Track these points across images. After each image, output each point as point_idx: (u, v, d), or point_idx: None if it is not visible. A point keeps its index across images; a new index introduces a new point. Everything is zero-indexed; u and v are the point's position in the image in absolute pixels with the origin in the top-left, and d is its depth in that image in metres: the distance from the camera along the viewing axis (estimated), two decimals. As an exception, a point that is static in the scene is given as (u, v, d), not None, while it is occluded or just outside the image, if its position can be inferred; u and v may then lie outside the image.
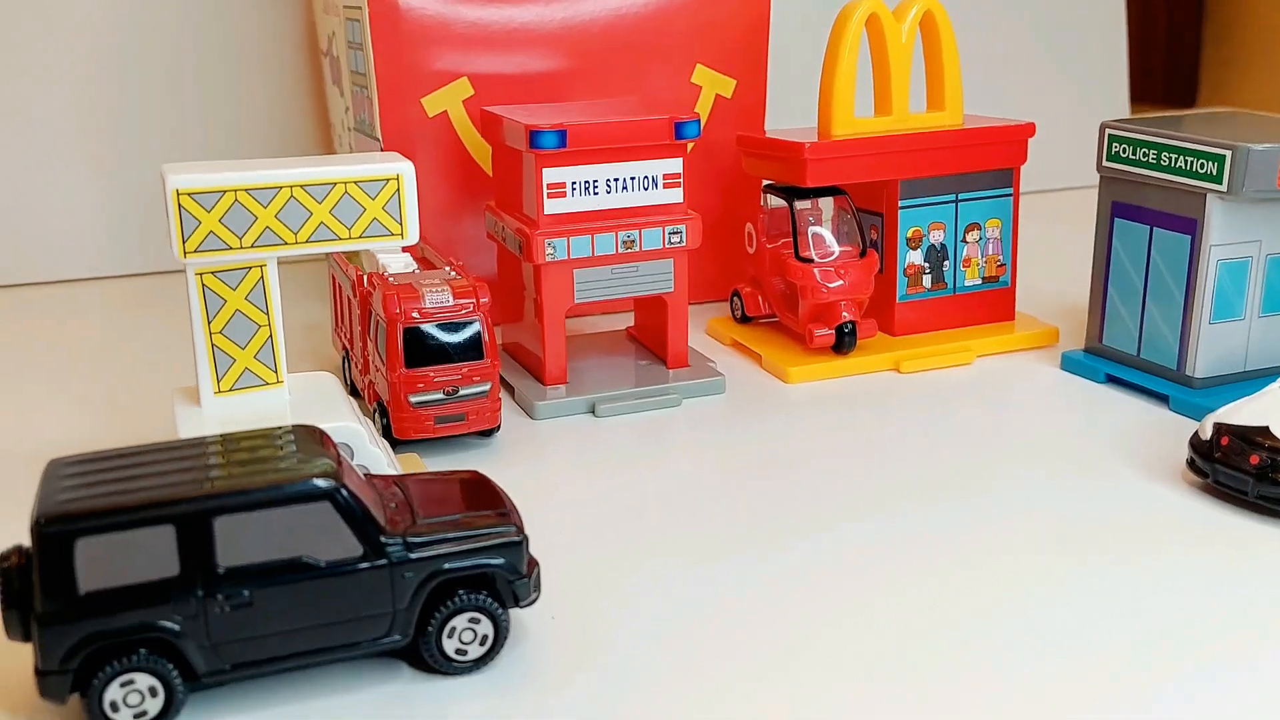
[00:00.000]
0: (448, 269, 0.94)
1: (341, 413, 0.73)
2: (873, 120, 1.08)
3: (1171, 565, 0.72)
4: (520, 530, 0.61)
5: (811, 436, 0.94)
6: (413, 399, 0.87)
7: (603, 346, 1.11)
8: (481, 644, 0.61)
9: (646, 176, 0.99)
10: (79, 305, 1.34)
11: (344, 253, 1.02)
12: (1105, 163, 0.99)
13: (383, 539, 0.58)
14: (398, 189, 0.73)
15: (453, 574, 0.59)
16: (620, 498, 0.83)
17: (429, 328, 0.87)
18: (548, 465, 0.90)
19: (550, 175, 0.96)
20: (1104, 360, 1.02)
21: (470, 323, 0.88)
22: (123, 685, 0.55)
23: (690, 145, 1.00)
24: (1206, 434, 0.79)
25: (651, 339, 1.09)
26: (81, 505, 0.54)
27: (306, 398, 0.76)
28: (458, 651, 0.60)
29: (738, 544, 0.76)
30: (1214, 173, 0.90)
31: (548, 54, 1.17)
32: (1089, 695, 0.60)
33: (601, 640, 0.65)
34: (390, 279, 0.91)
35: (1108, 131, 0.98)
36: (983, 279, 1.13)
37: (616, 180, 0.98)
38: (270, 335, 0.73)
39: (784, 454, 0.90)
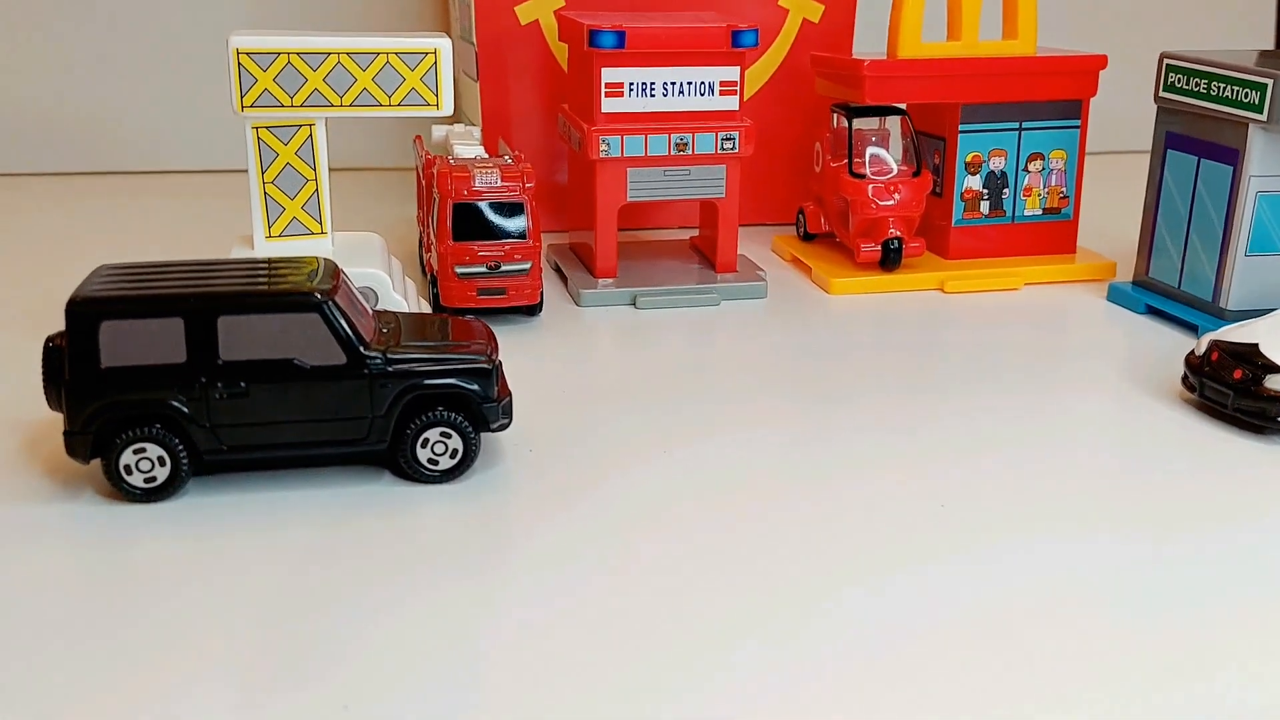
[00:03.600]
0: (507, 157, 1.01)
1: (373, 263, 0.81)
2: (939, 44, 1.10)
3: (1141, 467, 0.74)
4: (491, 360, 0.68)
5: (840, 339, 0.97)
6: (458, 270, 0.95)
7: (663, 251, 1.17)
8: (451, 457, 0.68)
9: (703, 82, 1.04)
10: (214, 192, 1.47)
11: (429, 147, 1.10)
12: (1161, 93, 0.99)
13: (364, 352, 0.66)
14: (435, 62, 0.80)
15: (425, 390, 0.66)
16: (639, 371, 0.89)
17: (476, 205, 0.95)
18: (581, 343, 0.96)
19: (609, 75, 1.02)
20: (1147, 292, 1.02)
21: (516, 204, 0.95)
22: (135, 452, 0.64)
23: (749, 55, 1.04)
24: (1201, 351, 0.80)
25: (709, 247, 1.14)
26: (108, 293, 0.64)
27: (348, 249, 0.84)
28: (430, 461, 0.68)
29: (745, 419, 0.80)
30: (1256, 102, 0.89)
31: (637, -30, 1.22)
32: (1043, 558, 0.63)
33: (571, 477, 0.71)
34: (451, 162, 0.99)
35: (1165, 61, 0.98)
36: (1043, 209, 1.14)
37: (673, 84, 1.03)
38: (316, 189, 0.82)
39: (809, 350, 0.95)
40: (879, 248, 1.08)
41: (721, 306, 1.05)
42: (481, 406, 0.67)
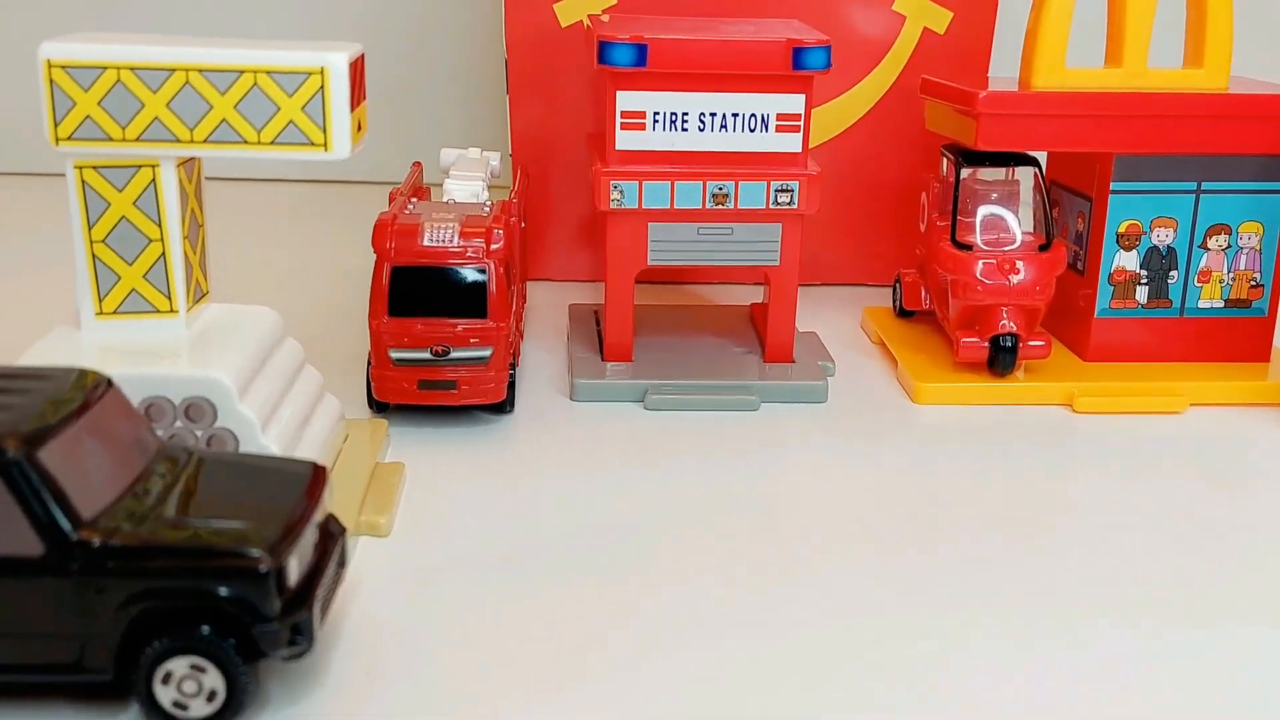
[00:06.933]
0: (488, 204, 0.78)
1: (224, 361, 0.58)
2: (1090, 72, 0.81)
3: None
4: (273, 558, 0.44)
5: (914, 474, 0.71)
6: (394, 354, 0.72)
7: (711, 323, 0.91)
8: (209, 700, 0.45)
9: (754, 115, 0.78)
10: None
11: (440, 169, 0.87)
12: None
13: (74, 538, 0.43)
14: (321, 86, 0.57)
15: (160, 601, 0.43)
16: (615, 517, 0.65)
17: (421, 269, 0.71)
18: (553, 460, 0.72)
19: (625, 100, 0.77)
20: (1370, 440, 0.71)
21: (475, 270, 0.72)
22: None
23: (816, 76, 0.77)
24: None
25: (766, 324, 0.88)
26: None
27: (210, 335, 0.62)
28: (176, 704, 0.45)
29: (721, 619, 0.55)
30: None
31: (709, -38, 0.96)
32: None
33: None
34: (409, 208, 0.76)
35: None
36: (1226, 301, 0.83)
37: (713, 116, 0.78)
38: (164, 253, 0.60)
39: (867, 490, 0.68)
40: (986, 344, 0.80)
41: (762, 411, 0.79)
42: (253, 627, 0.44)
